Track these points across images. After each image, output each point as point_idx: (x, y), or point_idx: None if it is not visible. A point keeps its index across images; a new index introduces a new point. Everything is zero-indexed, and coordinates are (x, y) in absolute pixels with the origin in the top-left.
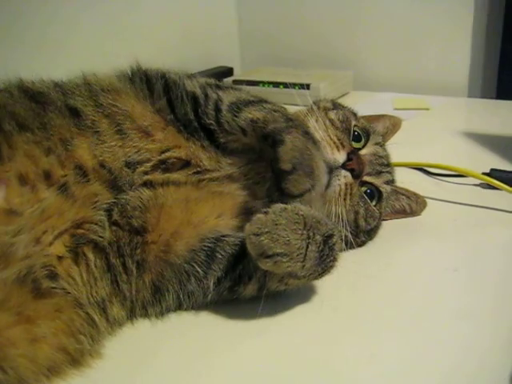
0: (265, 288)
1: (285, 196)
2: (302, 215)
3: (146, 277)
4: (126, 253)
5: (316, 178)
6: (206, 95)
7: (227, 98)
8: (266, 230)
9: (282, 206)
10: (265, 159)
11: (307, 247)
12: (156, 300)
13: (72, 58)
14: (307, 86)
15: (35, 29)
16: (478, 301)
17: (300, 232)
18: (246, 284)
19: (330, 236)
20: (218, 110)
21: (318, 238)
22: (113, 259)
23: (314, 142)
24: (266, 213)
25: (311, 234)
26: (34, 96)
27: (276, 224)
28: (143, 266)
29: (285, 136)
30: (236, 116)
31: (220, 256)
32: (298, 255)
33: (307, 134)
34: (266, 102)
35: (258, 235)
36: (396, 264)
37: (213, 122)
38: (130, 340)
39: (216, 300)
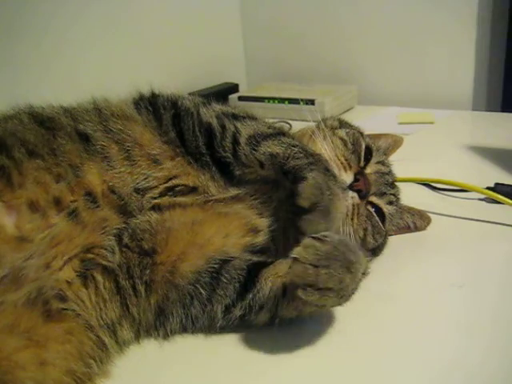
0: (277, 317)
1: (298, 232)
2: (355, 252)
3: (152, 298)
4: (135, 274)
5: (331, 221)
6: (224, 127)
7: (245, 130)
8: (326, 263)
9: (337, 237)
10: (272, 181)
11: (352, 285)
12: (160, 323)
13: (77, 83)
14: (312, 102)
15: (37, 54)
16: (485, 317)
17: (353, 270)
18: (257, 313)
19: (366, 273)
20: (236, 142)
21: (360, 275)
22: (122, 281)
23: (335, 179)
24: (321, 240)
25: (358, 273)
26: (44, 122)
27: (335, 259)
28: (151, 286)
29: (307, 174)
30: (255, 150)
31: (225, 280)
32: (342, 292)
33: (328, 171)
34: (283, 134)
35: (316, 267)
36: (401, 280)
37: (229, 155)
38: (137, 360)
39: (226, 327)
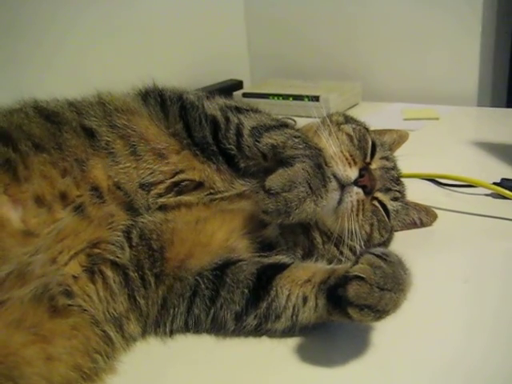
0: (297, 325)
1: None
2: (407, 273)
3: (160, 289)
4: (145, 266)
5: (279, 217)
6: (227, 119)
7: (248, 122)
8: (391, 286)
9: (396, 256)
10: None
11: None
12: (162, 316)
13: (80, 81)
14: (317, 98)
15: (42, 48)
16: (490, 312)
17: (406, 293)
18: (274, 322)
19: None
20: (239, 134)
21: None
22: (131, 273)
23: (324, 178)
24: (385, 261)
25: (408, 295)
26: (49, 116)
27: (397, 283)
28: (160, 278)
29: (296, 163)
30: (258, 141)
31: (230, 282)
32: (392, 313)
33: (319, 169)
34: (286, 126)
35: (382, 290)
36: None
37: (233, 147)
38: (143, 356)
39: (241, 333)
